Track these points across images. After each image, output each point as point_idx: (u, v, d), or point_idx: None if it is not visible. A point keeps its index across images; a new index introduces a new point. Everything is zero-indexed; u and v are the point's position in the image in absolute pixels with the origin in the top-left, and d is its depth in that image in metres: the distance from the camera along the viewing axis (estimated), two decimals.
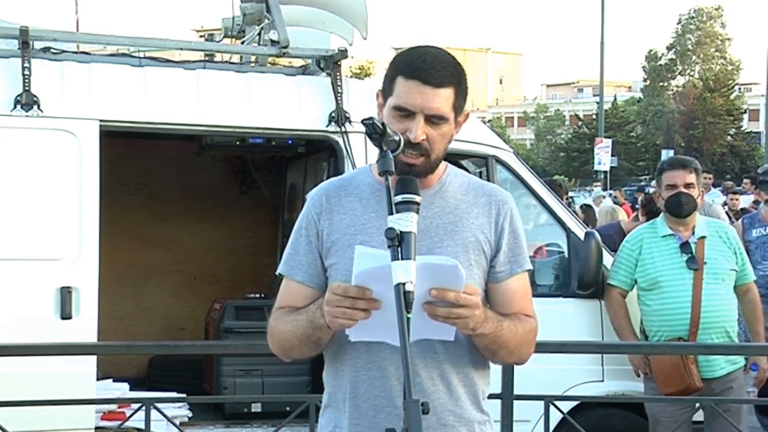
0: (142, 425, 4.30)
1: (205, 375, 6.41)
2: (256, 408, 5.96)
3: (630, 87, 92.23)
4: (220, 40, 6.52)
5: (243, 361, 6.09)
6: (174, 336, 7.05)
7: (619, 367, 5.61)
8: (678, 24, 70.24)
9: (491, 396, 2.56)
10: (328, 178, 4.35)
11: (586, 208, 13.34)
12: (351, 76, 11.12)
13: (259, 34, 5.88)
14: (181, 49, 6.14)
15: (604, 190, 31.60)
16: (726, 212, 11.79)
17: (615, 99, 71.31)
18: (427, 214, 2.42)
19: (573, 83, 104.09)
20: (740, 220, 7.64)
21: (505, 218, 2.48)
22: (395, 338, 2.13)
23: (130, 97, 5.20)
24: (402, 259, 2.14)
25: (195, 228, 7.37)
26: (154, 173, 7.38)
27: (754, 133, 65.87)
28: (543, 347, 2.58)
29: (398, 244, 2.15)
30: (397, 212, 2.21)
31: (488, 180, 5.11)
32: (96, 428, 5.00)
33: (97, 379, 5.01)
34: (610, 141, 37.53)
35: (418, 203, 2.24)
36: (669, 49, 70.19)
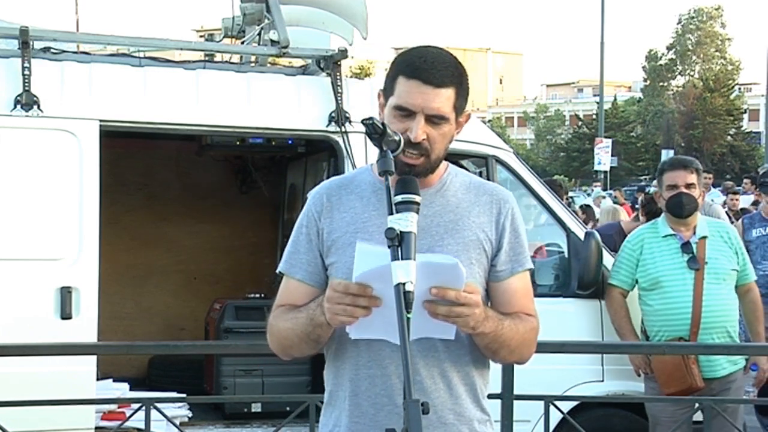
0: (142, 425, 4.30)
1: (205, 375, 6.41)
2: (256, 408, 5.96)
3: (630, 87, 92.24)
4: (220, 40, 6.52)
5: (243, 361, 6.09)
6: (174, 336, 7.05)
7: (619, 367, 5.61)
8: (678, 24, 70.29)
9: (491, 396, 2.56)
10: (328, 178, 4.36)
11: (586, 209, 13.35)
12: (351, 76, 11.12)
13: (259, 34, 5.88)
14: (181, 49, 6.14)
15: (604, 190, 31.61)
16: (726, 212, 11.80)
17: (615, 99, 71.31)
18: (428, 212, 2.42)
19: (573, 83, 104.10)
20: (740, 220, 7.65)
21: (506, 217, 2.49)
22: (396, 336, 2.13)
23: (130, 97, 5.20)
24: (402, 259, 2.14)
25: (195, 228, 7.37)
26: (154, 173, 7.38)
27: (754, 133, 65.87)
28: (543, 347, 2.58)
29: (398, 244, 2.15)
30: (397, 212, 2.21)
31: (488, 180, 5.12)
32: (96, 428, 5.00)
33: (97, 379, 5.00)
34: (610, 141, 37.55)
35: (418, 203, 2.24)
36: (669, 49, 70.22)
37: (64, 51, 5.42)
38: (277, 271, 2.55)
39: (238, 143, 5.85)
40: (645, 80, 71.59)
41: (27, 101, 4.93)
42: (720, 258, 5.27)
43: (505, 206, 2.50)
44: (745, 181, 18.99)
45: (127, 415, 4.65)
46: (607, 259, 5.66)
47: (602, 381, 5.66)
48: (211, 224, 7.39)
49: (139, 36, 6.06)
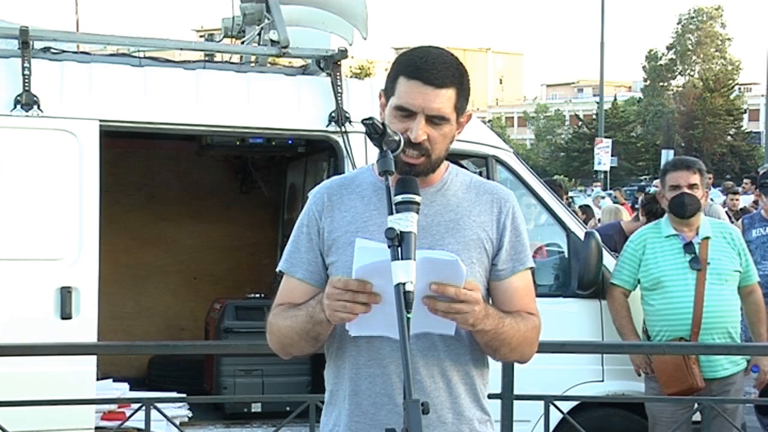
0: (142, 425, 4.29)
1: (205, 375, 6.41)
2: (256, 408, 5.96)
3: (630, 87, 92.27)
4: (220, 40, 6.52)
5: (243, 361, 6.09)
6: (174, 336, 7.05)
7: (619, 367, 5.61)
8: (678, 24, 70.29)
9: (491, 396, 2.56)
10: (328, 178, 4.35)
11: (586, 209, 13.36)
12: (351, 76, 11.14)
13: (259, 34, 5.88)
14: (181, 49, 6.13)
15: (604, 190, 31.61)
16: (726, 212, 11.80)
17: (615, 99, 71.34)
18: (429, 212, 2.42)
19: (573, 83, 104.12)
20: (740, 220, 7.64)
21: (507, 216, 2.49)
22: (396, 332, 2.14)
23: (130, 97, 5.20)
24: (402, 258, 2.14)
25: (195, 228, 7.37)
26: (154, 173, 7.38)
27: (754, 133, 65.87)
28: (543, 347, 2.57)
29: (398, 243, 2.15)
30: (397, 212, 2.21)
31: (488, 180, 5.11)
32: (96, 428, 5.00)
33: (97, 379, 5.00)
34: (610, 141, 37.54)
35: (418, 203, 2.24)
36: (669, 49, 70.23)
37: (64, 51, 5.42)
38: (278, 269, 2.55)
39: (238, 143, 5.84)
40: (645, 80, 71.61)
41: (27, 101, 4.93)
42: (722, 259, 5.26)
43: (506, 205, 2.50)
44: (745, 181, 19.00)
45: (127, 415, 4.65)
46: (607, 259, 5.66)
47: (602, 381, 5.65)
48: (211, 224, 7.39)
49: (139, 36, 6.06)
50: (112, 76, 5.23)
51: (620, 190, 28.66)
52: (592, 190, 30.90)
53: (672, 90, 69.62)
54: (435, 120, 2.38)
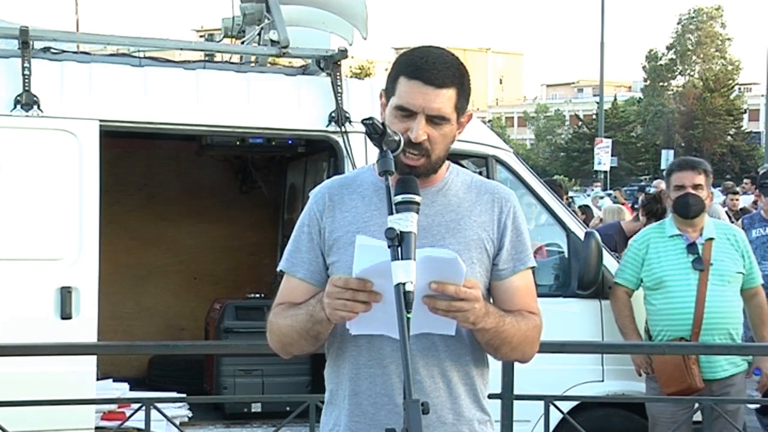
0: (142, 425, 4.29)
1: (205, 375, 6.41)
2: (256, 408, 5.96)
3: (630, 87, 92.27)
4: (220, 40, 6.52)
5: (243, 361, 6.09)
6: (174, 336, 7.05)
7: (619, 367, 5.61)
8: (678, 24, 70.30)
9: (491, 396, 2.56)
10: (328, 178, 4.34)
11: (585, 209, 13.35)
12: (351, 76, 11.13)
13: (259, 34, 5.88)
14: (181, 49, 6.13)
15: (604, 190, 31.61)
16: (726, 212, 11.79)
17: (615, 99, 71.35)
18: (429, 212, 2.42)
19: (573, 83, 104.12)
20: (740, 220, 7.64)
21: (508, 216, 2.49)
22: (396, 331, 2.14)
23: (130, 97, 5.20)
24: (402, 258, 2.14)
25: (195, 228, 7.37)
26: (154, 173, 7.38)
27: (754, 133, 65.88)
28: (543, 347, 2.57)
29: (398, 244, 2.15)
30: (397, 212, 2.22)
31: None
32: (96, 428, 5.00)
33: (97, 379, 5.00)
34: (610, 141, 37.56)
35: (418, 203, 2.24)
36: (669, 49, 70.24)
37: (64, 51, 5.41)
38: (278, 269, 2.55)
39: (238, 143, 5.84)
40: (645, 80, 71.61)
41: (27, 101, 4.93)
42: (725, 260, 5.26)
43: (507, 205, 2.50)
44: (745, 181, 18.99)
45: (127, 415, 4.65)
46: (607, 259, 5.66)
47: (602, 381, 5.65)
48: (211, 224, 7.39)
49: (139, 36, 6.06)
50: (112, 76, 5.23)
51: (620, 190, 28.66)
52: (592, 190, 30.90)
53: (672, 90, 69.63)
54: (435, 120, 2.38)
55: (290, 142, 5.95)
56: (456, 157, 5.41)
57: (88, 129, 5.04)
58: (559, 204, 5.93)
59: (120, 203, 7.00)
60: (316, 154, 6.32)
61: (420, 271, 2.15)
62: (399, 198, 2.24)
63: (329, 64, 5.51)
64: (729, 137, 64.25)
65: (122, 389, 5.40)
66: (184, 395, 4.96)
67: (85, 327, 4.90)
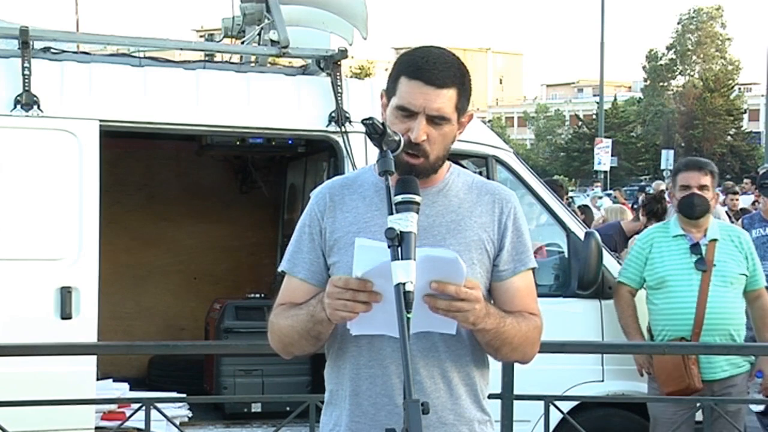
0: (142, 425, 4.29)
1: (205, 375, 6.41)
2: (256, 408, 5.96)
3: (630, 87, 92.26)
4: (220, 40, 6.52)
5: (243, 361, 6.09)
6: (174, 336, 7.05)
7: (619, 367, 5.61)
8: (678, 24, 70.30)
9: (491, 396, 2.56)
10: (328, 178, 4.34)
11: (585, 209, 13.35)
12: (351, 76, 11.12)
13: (259, 34, 5.88)
14: (181, 49, 6.13)
15: (604, 190, 31.63)
16: (726, 212, 11.80)
17: (615, 99, 71.36)
18: (430, 212, 2.42)
19: (573, 83, 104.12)
20: (740, 220, 7.63)
21: (509, 217, 2.49)
22: (396, 331, 2.14)
23: (130, 97, 5.20)
24: (402, 258, 2.14)
25: (195, 228, 7.37)
26: (154, 173, 7.38)
27: (754, 133, 65.87)
28: (543, 347, 2.57)
29: (398, 243, 2.15)
30: (397, 212, 2.22)
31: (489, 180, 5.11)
32: (96, 428, 5.00)
33: (97, 379, 5.00)
34: (610, 141, 37.58)
35: (418, 203, 2.25)
36: (669, 49, 70.24)
37: (64, 51, 5.41)
38: (279, 269, 2.56)
39: (238, 143, 5.84)
40: (645, 80, 71.62)
41: (27, 101, 4.93)
42: (729, 261, 5.25)
43: (507, 206, 2.50)
44: (745, 181, 19.00)
45: (127, 415, 4.65)
46: (607, 259, 5.66)
47: (602, 381, 5.65)
48: (211, 224, 7.39)
49: (139, 36, 6.06)
50: (112, 76, 5.23)
51: (620, 190, 28.68)
52: (592, 190, 30.90)
53: (672, 90, 69.63)
54: (436, 120, 2.38)
55: (290, 142, 5.95)
56: (456, 157, 5.41)
57: (88, 129, 5.04)
58: (559, 204, 5.93)
59: (120, 203, 7.00)
60: (316, 154, 6.32)
61: (420, 271, 2.15)
62: (399, 198, 2.24)
63: (329, 64, 5.51)
64: (729, 137, 64.25)
65: (122, 389, 5.40)
66: (184, 395, 4.97)
67: (85, 327, 4.90)
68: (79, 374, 4.84)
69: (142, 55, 5.78)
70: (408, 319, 2.12)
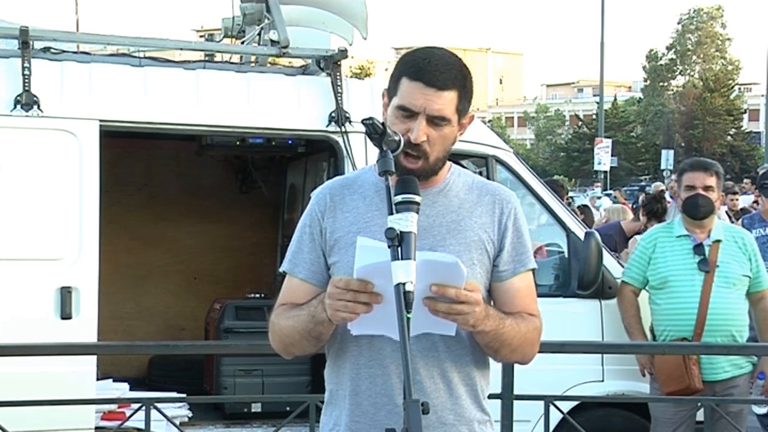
0: (142, 425, 4.29)
1: (205, 375, 6.41)
2: (256, 408, 5.96)
3: (630, 87, 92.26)
4: (220, 40, 6.52)
5: (243, 361, 6.09)
6: (174, 336, 7.05)
7: (619, 367, 5.61)
8: (678, 24, 70.30)
9: (491, 396, 2.56)
10: (328, 178, 4.34)
11: (584, 209, 13.35)
12: (351, 76, 11.12)
13: (259, 34, 5.88)
14: (181, 49, 6.13)
15: (604, 190, 31.62)
16: (726, 212, 11.78)
17: (615, 99, 71.36)
18: (430, 212, 2.42)
19: (573, 83, 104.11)
20: (740, 221, 7.63)
21: (509, 217, 2.49)
22: (396, 332, 2.14)
23: (130, 97, 5.20)
24: (402, 258, 2.14)
25: (195, 228, 7.37)
26: (154, 173, 7.38)
27: (754, 133, 65.86)
28: (543, 347, 2.57)
29: (398, 244, 2.15)
30: (397, 212, 2.22)
31: (489, 180, 5.11)
32: (96, 428, 5.00)
33: (97, 379, 5.00)
34: (610, 141, 37.57)
35: (418, 203, 2.25)
36: (669, 49, 70.24)
37: (64, 51, 5.42)
38: (280, 270, 2.56)
39: (238, 143, 5.84)
40: (645, 80, 71.61)
41: (27, 101, 4.93)
42: (732, 263, 5.24)
43: (508, 206, 2.50)
44: (745, 180, 19.00)
45: (127, 415, 4.65)
46: (607, 259, 5.66)
47: (602, 381, 5.65)
48: (211, 224, 7.39)
49: (139, 36, 6.06)
50: (112, 76, 5.23)
51: (620, 190, 28.67)
52: (592, 190, 30.90)
53: (672, 90, 69.63)
54: (436, 121, 2.38)
55: (290, 142, 5.95)
56: (456, 157, 5.41)
57: (88, 129, 5.04)
58: (559, 204, 5.93)
59: (120, 203, 7.00)
60: (316, 154, 6.32)
61: (421, 275, 2.16)
62: (399, 198, 2.24)
63: (329, 64, 5.51)
64: (729, 137, 64.25)
65: (122, 389, 5.40)
66: (184, 395, 4.97)
67: (85, 327, 4.90)
68: (79, 374, 4.84)
69: (142, 55, 5.78)
70: (408, 319, 2.12)
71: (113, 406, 5.20)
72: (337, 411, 2.48)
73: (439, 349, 2.41)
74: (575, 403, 5.35)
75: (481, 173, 5.67)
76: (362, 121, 2.29)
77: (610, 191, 29.89)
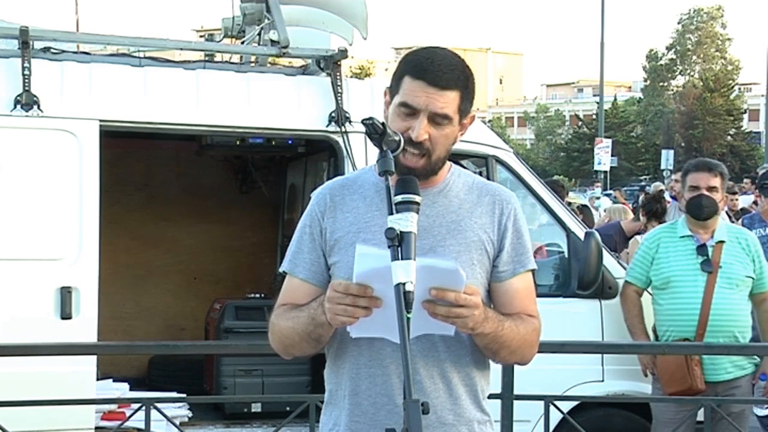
0: (142, 425, 4.30)
1: (205, 375, 6.41)
2: (256, 408, 5.96)
3: (630, 87, 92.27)
4: (220, 40, 6.52)
5: (243, 361, 6.09)
6: (174, 336, 7.05)
7: (619, 367, 5.61)
8: (678, 24, 70.31)
9: (491, 396, 2.56)
10: (328, 178, 4.34)
11: (584, 209, 13.35)
12: (351, 76, 11.12)
13: (259, 34, 5.88)
14: (181, 49, 6.13)
15: (604, 190, 31.61)
16: (726, 212, 11.78)
17: (615, 99, 71.36)
18: (431, 212, 2.42)
19: (573, 83, 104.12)
20: (740, 221, 7.62)
21: (509, 218, 2.49)
22: (396, 335, 2.14)
23: (130, 97, 5.20)
24: (402, 258, 2.14)
25: (195, 228, 7.37)
26: (154, 173, 7.38)
27: (754, 133, 65.88)
28: (543, 347, 2.57)
29: (398, 244, 2.15)
30: (397, 212, 2.22)
31: (488, 180, 5.11)
32: (96, 428, 5.00)
33: (97, 379, 5.00)
34: (610, 141, 37.55)
35: (418, 203, 2.25)
36: (669, 49, 70.25)
37: (64, 51, 5.42)
38: (280, 270, 2.56)
39: (238, 143, 5.84)
40: (645, 80, 71.61)
41: (27, 101, 4.93)
42: (735, 264, 5.24)
43: (507, 207, 2.50)
44: (745, 180, 18.99)
45: (127, 415, 4.65)
46: (607, 259, 5.66)
47: (602, 381, 5.65)
48: (211, 224, 7.39)
49: (139, 36, 6.06)
50: (112, 76, 5.23)
51: (620, 190, 28.66)
52: (592, 191, 30.89)
53: (672, 90, 69.64)
54: (437, 119, 2.38)
55: (290, 142, 5.95)
56: (456, 157, 5.41)
57: (88, 129, 5.04)
58: (559, 204, 5.93)
59: (120, 203, 7.00)
60: (316, 154, 6.32)
61: (420, 279, 2.16)
62: (399, 198, 2.24)
63: (329, 64, 5.51)
64: (729, 137, 64.25)
65: (122, 389, 5.40)
66: (184, 395, 4.97)
67: (85, 327, 4.90)
68: (79, 374, 4.84)
69: (142, 55, 5.78)
70: (408, 319, 2.12)
71: (113, 406, 5.20)
72: (337, 411, 2.48)
73: (439, 350, 2.41)
74: (575, 403, 5.35)
75: (481, 173, 5.67)
76: (362, 121, 2.29)
77: (610, 191, 29.87)
